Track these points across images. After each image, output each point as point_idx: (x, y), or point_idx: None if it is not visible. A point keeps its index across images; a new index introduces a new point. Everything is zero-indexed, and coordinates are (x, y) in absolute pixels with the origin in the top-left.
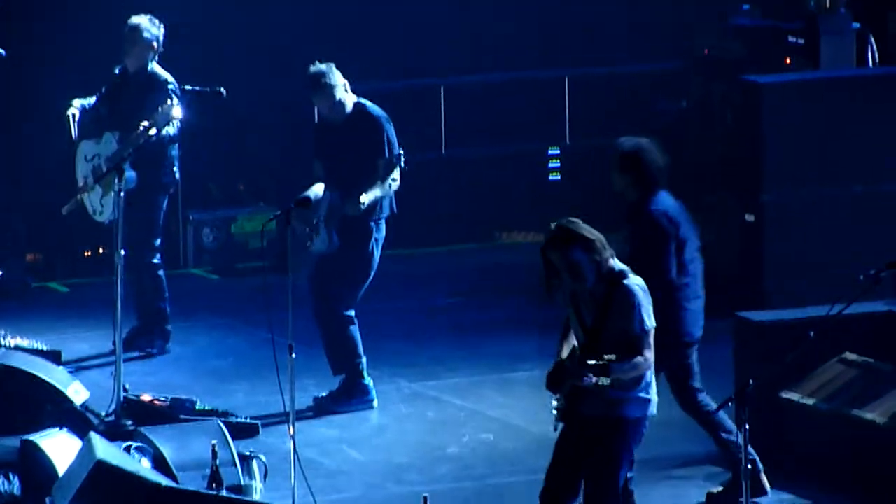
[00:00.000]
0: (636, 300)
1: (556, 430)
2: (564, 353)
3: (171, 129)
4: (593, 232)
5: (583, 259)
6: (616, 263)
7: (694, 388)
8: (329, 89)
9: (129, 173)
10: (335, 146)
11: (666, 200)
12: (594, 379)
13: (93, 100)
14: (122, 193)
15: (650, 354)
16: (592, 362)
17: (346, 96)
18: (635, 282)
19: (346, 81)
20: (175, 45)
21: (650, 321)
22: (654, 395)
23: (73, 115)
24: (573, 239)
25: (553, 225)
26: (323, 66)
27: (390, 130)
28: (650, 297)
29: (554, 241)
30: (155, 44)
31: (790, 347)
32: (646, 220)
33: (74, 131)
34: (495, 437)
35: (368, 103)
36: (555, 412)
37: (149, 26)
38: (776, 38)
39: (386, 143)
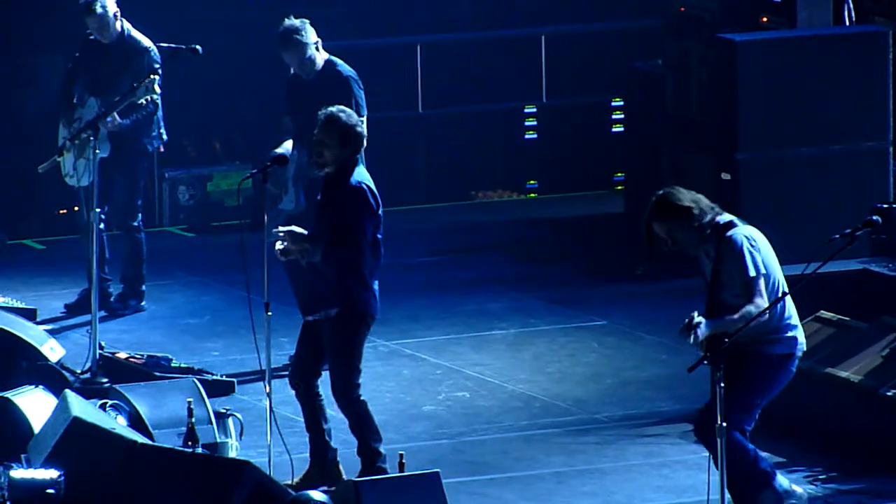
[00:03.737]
0: (739, 249)
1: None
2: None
3: (151, 97)
4: (693, 198)
5: (681, 228)
6: (722, 217)
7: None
8: (299, 46)
9: (104, 144)
10: (305, 103)
11: (364, 173)
12: (690, 337)
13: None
14: (97, 151)
15: (761, 300)
16: (686, 322)
17: (317, 54)
18: (740, 232)
19: (318, 39)
20: (150, 3)
21: (753, 269)
22: (796, 332)
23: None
24: (670, 211)
25: (654, 196)
26: (296, 22)
27: (359, 91)
28: (760, 245)
29: (653, 213)
30: (116, 10)
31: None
32: (348, 193)
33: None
34: (471, 395)
35: (339, 62)
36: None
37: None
38: None
39: (354, 104)
